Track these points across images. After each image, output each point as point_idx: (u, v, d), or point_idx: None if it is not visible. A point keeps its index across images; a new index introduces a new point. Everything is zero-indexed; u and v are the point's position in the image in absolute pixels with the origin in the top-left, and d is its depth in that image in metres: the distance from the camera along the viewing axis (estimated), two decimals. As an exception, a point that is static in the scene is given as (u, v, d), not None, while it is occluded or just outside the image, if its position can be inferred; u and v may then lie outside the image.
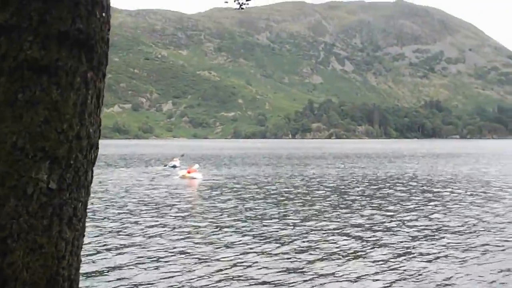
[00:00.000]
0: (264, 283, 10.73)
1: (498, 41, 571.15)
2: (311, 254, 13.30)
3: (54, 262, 1.97)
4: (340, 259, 12.81)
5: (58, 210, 2.00)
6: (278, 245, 14.39)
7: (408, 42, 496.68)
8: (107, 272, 11.33)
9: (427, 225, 17.70)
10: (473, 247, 14.22)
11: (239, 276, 11.22)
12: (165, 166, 51.22)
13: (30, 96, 2.04)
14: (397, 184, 32.94)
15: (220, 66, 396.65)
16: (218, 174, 41.59)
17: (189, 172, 39.08)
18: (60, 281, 2.00)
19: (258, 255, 13.17)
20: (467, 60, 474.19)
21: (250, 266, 12.08)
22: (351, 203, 23.70)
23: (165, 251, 13.48)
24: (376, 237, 15.62)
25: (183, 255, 13.12)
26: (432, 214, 20.35)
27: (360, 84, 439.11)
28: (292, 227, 17.26)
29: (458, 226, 17.66)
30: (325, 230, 16.63)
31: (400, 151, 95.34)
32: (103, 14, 2.23)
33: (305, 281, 10.88)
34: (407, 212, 20.73)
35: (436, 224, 17.91)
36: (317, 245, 14.39)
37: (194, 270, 11.69)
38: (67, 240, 2.02)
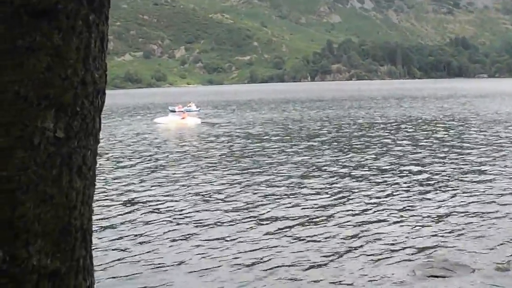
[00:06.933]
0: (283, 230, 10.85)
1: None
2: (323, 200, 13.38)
3: (65, 213, 1.94)
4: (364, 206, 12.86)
5: (67, 159, 1.94)
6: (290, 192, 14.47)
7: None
8: (119, 226, 11.42)
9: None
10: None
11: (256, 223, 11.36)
12: (172, 111, 48.81)
13: (30, 43, 1.95)
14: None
15: (233, 8, 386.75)
16: (221, 119, 40.84)
17: (183, 118, 37.91)
18: (73, 231, 1.97)
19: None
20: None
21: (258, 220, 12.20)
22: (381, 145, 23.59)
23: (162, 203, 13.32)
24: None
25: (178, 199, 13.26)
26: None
27: (381, 22, 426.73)
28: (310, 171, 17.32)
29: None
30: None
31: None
32: (103, -48, 2.10)
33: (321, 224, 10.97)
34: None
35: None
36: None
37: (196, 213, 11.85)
38: (77, 190, 1.97)
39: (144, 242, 9.91)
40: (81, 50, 2.01)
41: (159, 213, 12.06)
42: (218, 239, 9.92)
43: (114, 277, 8.08)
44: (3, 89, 1.91)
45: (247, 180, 15.40)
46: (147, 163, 19.43)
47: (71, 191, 1.95)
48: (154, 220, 11.41)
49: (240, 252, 9.16)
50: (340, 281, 7.94)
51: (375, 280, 8.01)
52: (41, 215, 1.87)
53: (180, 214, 11.81)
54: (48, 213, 1.89)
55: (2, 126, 1.88)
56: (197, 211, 12.05)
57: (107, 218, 11.43)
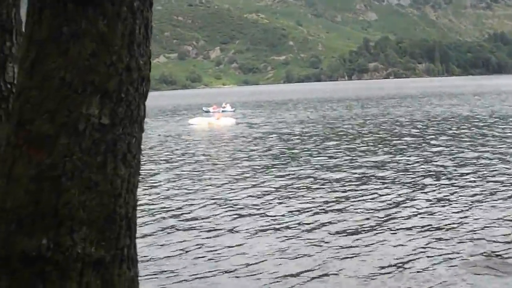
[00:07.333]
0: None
1: None
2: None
3: (110, 200, 1.91)
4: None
5: (112, 146, 1.92)
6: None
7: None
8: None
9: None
10: None
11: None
12: (207, 112, 48.53)
13: (75, 29, 1.94)
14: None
15: (268, 7, 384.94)
16: (257, 120, 40.15)
17: (218, 119, 37.58)
18: (118, 219, 1.94)
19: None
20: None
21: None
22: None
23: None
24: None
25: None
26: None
27: (418, 19, 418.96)
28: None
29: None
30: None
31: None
32: None
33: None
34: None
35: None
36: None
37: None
38: (122, 178, 1.95)
39: (182, 249, 9.67)
40: (126, 37, 1.98)
41: (197, 219, 11.80)
42: (260, 246, 9.65)
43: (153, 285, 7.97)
44: (49, 76, 1.90)
45: (290, 185, 14.96)
46: (185, 167, 19.18)
47: (116, 178, 1.92)
48: (193, 227, 11.16)
49: (284, 258, 8.94)
50: (382, 281, 7.78)
51: (417, 277, 7.83)
52: (86, 202, 1.85)
53: (220, 220, 11.55)
54: (93, 201, 1.86)
55: (47, 113, 1.87)
56: (238, 217, 11.78)
57: (143, 224, 11.22)
